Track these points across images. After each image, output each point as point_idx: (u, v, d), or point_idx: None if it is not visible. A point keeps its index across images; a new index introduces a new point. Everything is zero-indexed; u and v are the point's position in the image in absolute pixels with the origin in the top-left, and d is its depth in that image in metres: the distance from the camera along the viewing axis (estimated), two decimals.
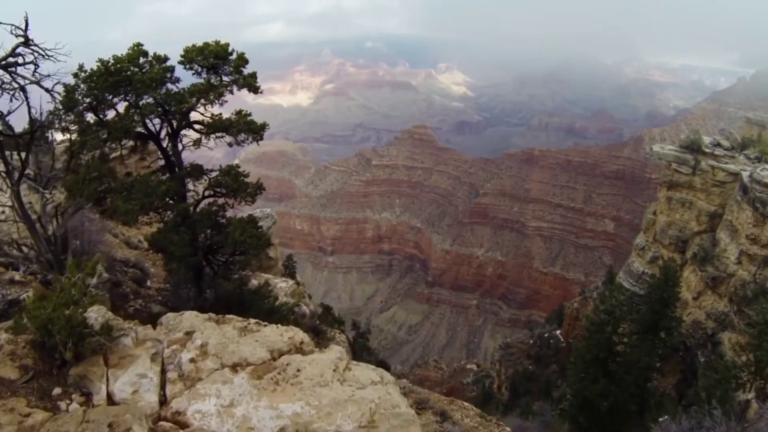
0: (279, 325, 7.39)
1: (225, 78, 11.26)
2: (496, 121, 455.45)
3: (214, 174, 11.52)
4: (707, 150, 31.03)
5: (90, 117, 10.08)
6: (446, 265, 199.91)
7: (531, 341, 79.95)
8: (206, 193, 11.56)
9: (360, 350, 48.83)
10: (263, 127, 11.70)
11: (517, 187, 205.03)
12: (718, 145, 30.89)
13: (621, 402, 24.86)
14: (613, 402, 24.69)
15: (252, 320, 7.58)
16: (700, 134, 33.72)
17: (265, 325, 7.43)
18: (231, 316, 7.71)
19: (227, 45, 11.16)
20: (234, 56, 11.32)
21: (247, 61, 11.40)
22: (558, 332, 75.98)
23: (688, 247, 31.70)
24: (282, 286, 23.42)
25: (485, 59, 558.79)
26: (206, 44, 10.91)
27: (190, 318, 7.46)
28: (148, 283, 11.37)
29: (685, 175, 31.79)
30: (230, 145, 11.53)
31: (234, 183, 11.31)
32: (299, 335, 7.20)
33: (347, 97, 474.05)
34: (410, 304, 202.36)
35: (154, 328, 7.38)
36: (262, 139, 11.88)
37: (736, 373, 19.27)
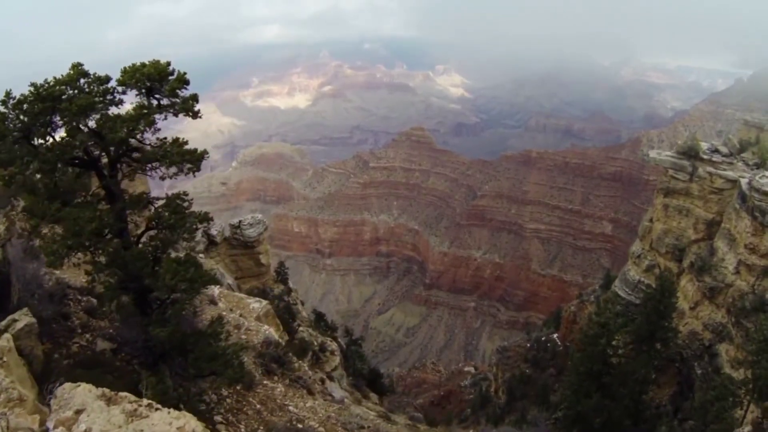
0: (171, 410, 6.64)
1: (165, 101, 10.24)
2: (494, 123, 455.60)
3: (161, 202, 10.49)
4: (705, 156, 30.20)
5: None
6: (444, 267, 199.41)
7: (528, 344, 79.42)
8: (150, 225, 10.51)
9: (353, 357, 48.03)
10: (201, 156, 10.48)
11: (515, 188, 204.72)
12: (716, 151, 30.07)
13: (615, 417, 24.23)
14: (607, 417, 24.07)
15: (145, 402, 6.93)
16: (698, 140, 32.93)
17: (158, 409, 6.75)
18: (125, 393, 7.07)
19: (165, 66, 10.10)
20: (174, 76, 10.13)
21: (186, 83, 10.23)
22: (555, 336, 75.32)
23: (685, 256, 30.91)
24: (255, 306, 22.00)
25: (483, 61, 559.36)
26: (142, 65, 9.93)
27: (83, 394, 6.86)
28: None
29: (682, 182, 30.99)
30: (162, 178, 10.49)
31: (170, 218, 10.10)
32: (191, 424, 6.46)
33: (345, 99, 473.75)
34: (408, 306, 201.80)
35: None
36: (198, 170, 10.64)
37: (734, 390, 18.61)
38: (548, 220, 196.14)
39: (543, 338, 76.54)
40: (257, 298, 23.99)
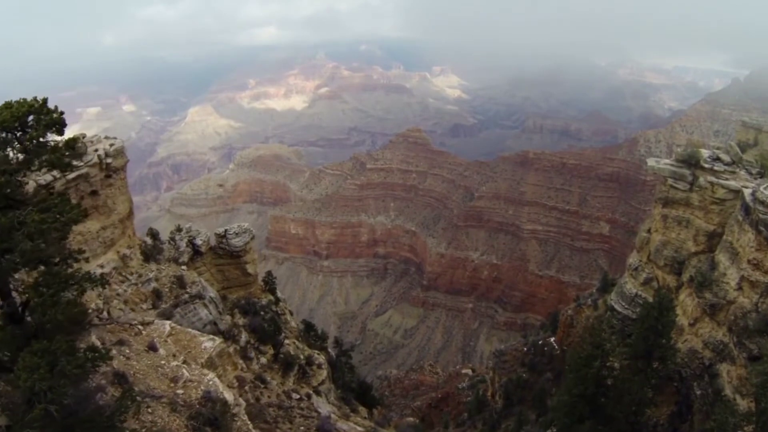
0: None
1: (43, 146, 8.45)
2: (491, 124, 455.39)
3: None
4: (706, 165, 28.78)
5: None
6: (441, 268, 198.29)
7: (525, 348, 78.42)
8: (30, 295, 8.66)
9: (342, 369, 46.75)
10: (75, 217, 8.66)
11: (512, 190, 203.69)
12: (718, 159, 28.70)
13: None
14: None
15: None
16: (699, 146, 31.59)
17: None
18: None
19: (30, 107, 8.14)
20: (44, 119, 8.17)
21: (60, 125, 8.30)
22: (552, 339, 74.36)
23: (684, 269, 29.58)
24: (207, 346, 19.26)
25: (479, 62, 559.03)
26: (7, 104, 8.13)
27: None
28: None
29: (682, 192, 29.64)
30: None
31: (41, 294, 7.92)
32: None
33: (341, 100, 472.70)
34: (405, 308, 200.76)
35: None
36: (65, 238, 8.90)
37: (736, 422, 17.37)
38: (546, 221, 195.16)
39: (540, 342, 75.49)
40: (211, 336, 21.07)
